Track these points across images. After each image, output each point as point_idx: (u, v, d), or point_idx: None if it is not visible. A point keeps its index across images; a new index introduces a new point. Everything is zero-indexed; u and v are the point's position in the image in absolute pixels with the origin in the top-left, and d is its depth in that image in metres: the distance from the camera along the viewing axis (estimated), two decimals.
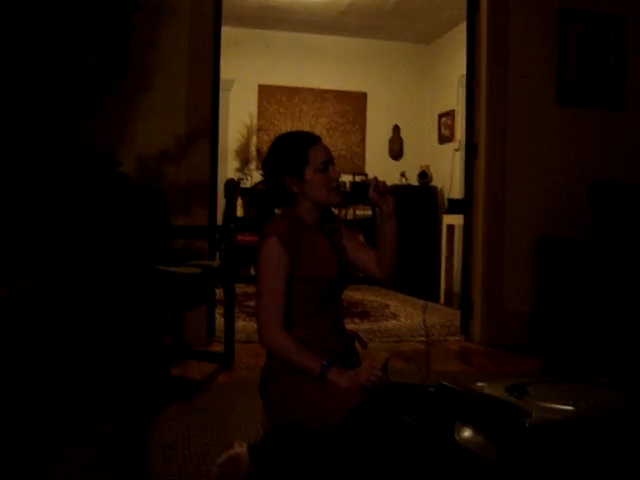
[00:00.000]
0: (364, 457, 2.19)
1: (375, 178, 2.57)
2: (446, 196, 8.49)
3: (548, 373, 3.81)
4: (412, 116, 9.46)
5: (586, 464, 1.56)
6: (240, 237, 4.51)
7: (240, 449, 2.33)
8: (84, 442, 2.76)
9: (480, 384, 1.78)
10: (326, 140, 8.30)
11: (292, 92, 9.15)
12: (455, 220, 7.02)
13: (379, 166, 9.17)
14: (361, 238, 8.62)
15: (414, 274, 7.98)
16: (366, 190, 2.53)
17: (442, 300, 7.21)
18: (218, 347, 4.39)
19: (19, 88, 2.80)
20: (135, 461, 2.61)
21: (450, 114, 8.71)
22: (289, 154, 2.51)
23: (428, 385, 2.40)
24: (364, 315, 6.12)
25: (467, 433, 1.70)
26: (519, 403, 1.61)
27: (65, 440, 2.76)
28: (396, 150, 9.51)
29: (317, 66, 9.17)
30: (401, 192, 8.38)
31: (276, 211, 2.67)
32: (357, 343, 2.71)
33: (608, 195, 4.56)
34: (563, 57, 5.06)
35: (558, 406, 1.61)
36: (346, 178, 8.69)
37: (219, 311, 4.80)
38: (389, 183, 2.62)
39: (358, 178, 8.83)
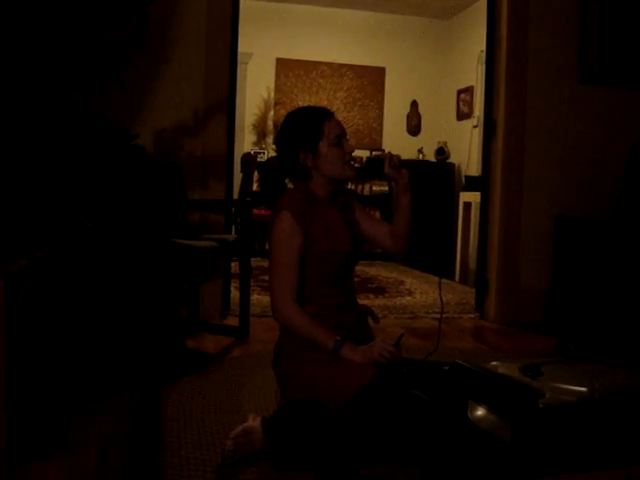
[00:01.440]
0: (376, 432, 2.21)
1: (389, 152, 2.58)
2: (463, 173, 8.45)
3: (562, 353, 3.80)
4: (430, 92, 9.40)
5: (599, 445, 1.56)
6: (256, 211, 4.51)
7: (254, 422, 2.35)
8: (99, 413, 2.79)
9: (494, 363, 1.78)
10: (343, 115, 8.26)
11: (310, 66, 9.10)
12: (472, 197, 6.99)
13: (397, 142, 9.13)
14: (377, 214, 8.61)
15: (430, 251, 7.96)
16: (381, 165, 2.53)
17: (457, 277, 7.20)
18: (233, 321, 4.41)
19: (37, 61, 2.80)
20: (149, 432, 2.64)
21: (469, 90, 8.64)
22: (303, 128, 2.51)
23: (442, 362, 2.40)
24: (379, 291, 6.13)
25: (480, 412, 1.70)
26: (533, 383, 1.61)
27: (80, 411, 2.78)
28: (414, 126, 9.46)
29: (335, 40, 9.11)
30: (417, 167, 8.34)
31: (288, 185, 2.67)
32: (370, 318, 2.72)
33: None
34: (584, 34, 4.99)
35: (572, 387, 1.61)
36: (363, 153, 8.65)
37: (234, 285, 4.82)
38: (406, 159, 2.62)
39: (373, 154, 8.79)
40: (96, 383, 3.12)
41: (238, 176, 4.61)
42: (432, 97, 9.40)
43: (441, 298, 2.88)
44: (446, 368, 1.82)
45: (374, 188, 8.74)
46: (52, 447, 2.44)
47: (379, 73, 9.33)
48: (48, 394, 2.90)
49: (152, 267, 3.48)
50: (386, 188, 8.75)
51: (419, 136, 9.41)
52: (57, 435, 2.55)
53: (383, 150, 8.93)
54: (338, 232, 2.50)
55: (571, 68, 4.99)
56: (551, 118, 4.96)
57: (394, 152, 2.62)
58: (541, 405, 1.49)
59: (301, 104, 8.77)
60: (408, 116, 9.46)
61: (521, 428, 1.52)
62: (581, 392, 1.61)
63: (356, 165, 2.60)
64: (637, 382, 1.73)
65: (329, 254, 2.46)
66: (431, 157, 8.86)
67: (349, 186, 7.44)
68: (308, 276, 2.46)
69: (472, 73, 8.48)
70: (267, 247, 2.50)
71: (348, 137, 2.60)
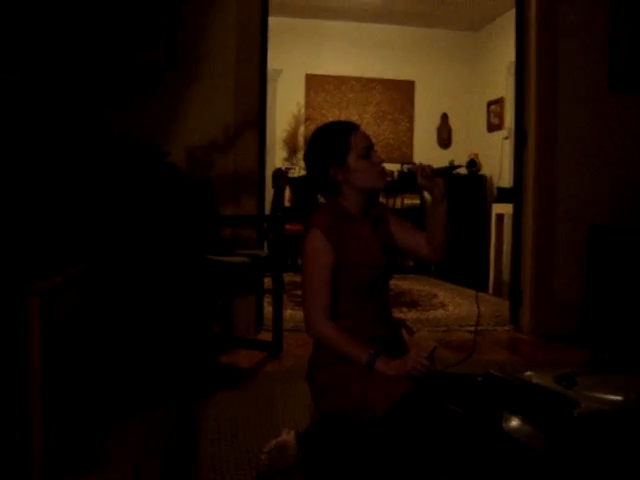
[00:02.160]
0: (411, 447, 2.20)
1: (420, 163, 2.56)
2: (495, 185, 8.40)
3: (597, 364, 3.76)
4: (460, 104, 9.38)
5: (635, 455, 1.54)
6: (288, 226, 4.53)
7: (288, 437, 2.35)
8: (134, 428, 2.81)
9: (528, 373, 1.77)
10: (373, 129, 8.28)
11: (339, 81, 9.13)
12: (504, 209, 6.95)
13: (427, 155, 9.10)
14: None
15: (463, 264, 7.92)
16: (413, 178, 2.52)
17: (491, 290, 7.16)
18: (266, 336, 4.42)
19: (73, 81, 2.85)
20: (184, 447, 2.65)
21: (499, 102, 8.61)
22: (330, 143, 2.51)
23: (476, 374, 2.38)
24: (412, 304, 6.11)
25: (515, 422, 1.69)
26: (567, 393, 1.59)
27: (115, 426, 2.81)
28: (444, 138, 9.44)
29: (364, 55, 9.13)
30: (448, 179, 8.29)
31: (320, 200, 2.67)
32: (404, 331, 2.71)
33: None
34: (614, 42, 4.96)
35: (607, 396, 1.59)
36: (394, 167, 8.65)
37: (267, 300, 4.83)
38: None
39: (405, 167, 8.77)
40: (131, 398, 3.14)
41: (270, 192, 4.64)
42: (462, 109, 9.38)
43: (478, 308, 2.86)
44: (480, 379, 1.81)
45: (406, 201, 8.72)
46: (87, 462, 2.46)
47: (409, 87, 9.33)
48: (83, 409, 2.93)
49: (185, 283, 3.51)
50: (418, 201, 8.73)
51: (450, 149, 9.38)
52: (92, 450, 2.57)
53: (413, 163, 8.91)
54: (369, 246, 2.50)
55: (601, 76, 4.96)
56: (582, 127, 4.93)
57: (428, 163, 2.60)
58: (576, 414, 1.48)
59: (332, 119, 8.78)
60: (438, 129, 9.45)
61: (556, 438, 1.51)
62: (616, 401, 1.59)
63: (388, 179, 2.59)
64: None
65: (361, 268, 2.46)
66: (463, 169, 8.83)
67: (381, 199, 7.44)
68: (341, 291, 2.46)
69: (502, 84, 8.45)
70: (299, 263, 2.50)
71: (377, 150, 2.60)
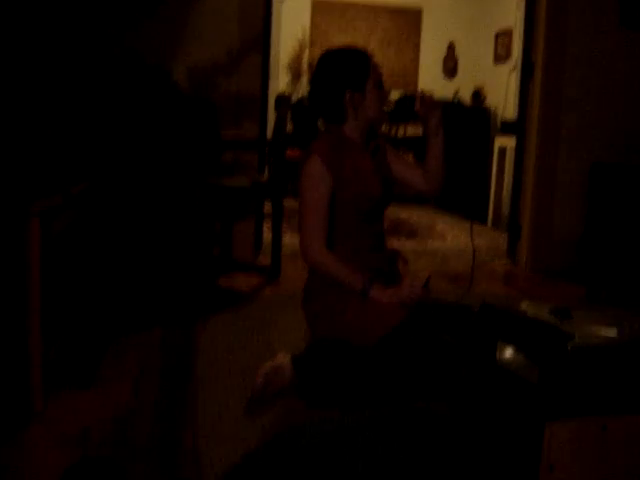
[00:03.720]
0: (404, 373, 2.23)
1: (421, 91, 2.54)
2: (499, 117, 8.33)
3: (594, 300, 3.79)
4: (468, 34, 9.21)
5: (628, 390, 1.57)
6: (290, 152, 4.50)
7: (283, 359, 2.38)
8: (132, 347, 2.85)
9: (524, 305, 1.78)
10: (379, 56, 8.15)
11: (346, 7, 8.96)
12: (507, 142, 6.90)
13: (432, 84, 8.99)
14: (410, 157, 8.55)
15: (463, 195, 7.90)
16: (412, 104, 2.51)
17: (490, 223, 7.16)
18: (265, 260, 4.44)
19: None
20: (181, 367, 2.69)
21: (507, 33, 8.46)
22: (353, 66, 2.47)
23: (470, 305, 2.40)
24: (410, 234, 6.12)
25: (508, 353, 1.71)
26: (562, 325, 1.61)
27: (114, 345, 2.84)
28: (450, 69, 9.32)
29: None
30: (452, 111, 8.23)
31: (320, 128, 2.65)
32: (399, 260, 2.72)
33: None
34: None
35: (601, 330, 1.61)
36: (398, 95, 8.55)
37: (267, 225, 4.84)
38: (442, 102, 2.59)
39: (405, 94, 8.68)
40: (129, 318, 3.18)
41: (272, 116, 4.59)
42: (469, 40, 9.22)
43: (472, 242, 2.86)
44: (475, 310, 1.83)
45: (408, 131, 8.65)
46: (86, 379, 2.50)
47: (415, 14, 9.16)
48: (83, 327, 2.96)
49: (186, 205, 3.50)
50: (420, 131, 8.66)
51: (455, 79, 9.26)
52: (91, 367, 2.60)
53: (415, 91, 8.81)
54: (368, 176, 2.49)
55: (612, 11, 4.86)
56: (590, 61, 4.85)
57: (430, 93, 2.58)
58: (570, 347, 1.50)
59: (337, 45, 8.65)
60: (444, 59, 9.31)
61: (549, 370, 1.53)
62: (610, 335, 1.61)
63: (385, 108, 2.58)
64: None
65: (359, 198, 2.45)
66: (467, 100, 8.74)
67: (383, 129, 7.35)
68: (338, 219, 2.46)
69: (511, 15, 8.28)
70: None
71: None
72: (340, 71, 2.48)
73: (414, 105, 2.50)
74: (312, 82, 2.60)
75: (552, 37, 4.80)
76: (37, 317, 2.22)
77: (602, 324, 1.63)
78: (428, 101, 2.50)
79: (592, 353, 1.53)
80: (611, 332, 1.61)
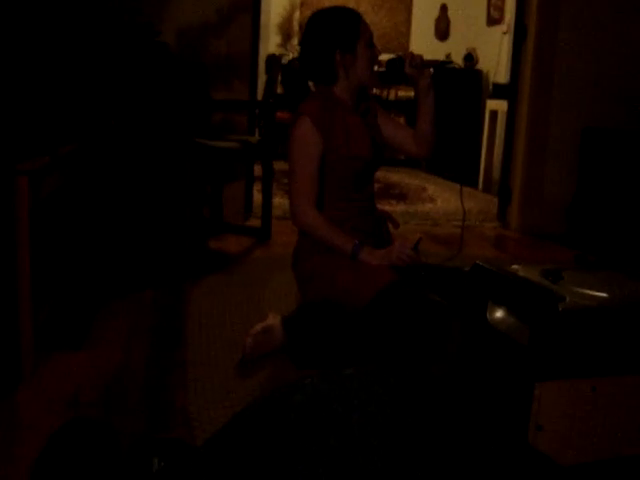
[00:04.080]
0: (394, 334, 2.24)
1: (411, 52, 2.53)
2: (491, 80, 8.29)
3: (582, 264, 3.80)
4: None
5: (618, 352, 1.58)
6: (280, 114, 4.47)
7: (274, 320, 2.39)
8: (123, 309, 2.85)
9: (515, 267, 1.78)
10: (370, 17, 8.05)
11: None
12: (499, 106, 6.88)
13: (424, 46, 8.92)
14: (402, 119, 8.52)
15: (454, 158, 7.88)
16: (402, 65, 2.49)
17: (480, 186, 7.16)
18: (255, 222, 4.43)
19: None
20: (172, 328, 2.69)
21: None
22: (342, 27, 2.45)
23: (461, 267, 2.40)
24: (401, 197, 6.12)
25: (499, 314, 1.71)
26: (553, 287, 1.61)
27: (105, 307, 2.84)
28: (442, 31, 9.24)
29: None
30: (444, 73, 8.19)
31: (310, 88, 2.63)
32: (389, 223, 2.72)
33: None
34: None
35: (592, 292, 1.61)
36: (390, 57, 8.50)
37: (257, 187, 4.82)
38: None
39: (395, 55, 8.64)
40: (120, 280, 3.17)
41: (262, 78, 4.56)
42: (462, 1, 9.13)
43: (463, 204, 2.85)
44: (466, 270, 1.83)
45: (399, 93, 8.61)
46: (77, 340, 2.50)
47: None
48: (73, 289, 2.95)
49: (175, 166, 3.48)
50: (412, 94, 8.61)
51: (447, 41, 9.19)
52: (82, 329, 2.60)
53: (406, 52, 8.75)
54: (359, 138, 2.48)
55: None
56: (585, 26, 4.81)
57: (423, 57, 2.56)
58: (560, 308, 1.50)
59: (328, 5, 8.56)
60: (437, 20, 9.23)
61: (539, 331, 1.53)
62: (602, 297, 1.61)
63: (379, 69, 2.56)
64: None
65: (349, 160, 2.45)
66: (459, 63, 8.69)
67: (374, 92, 7.31)
68: (328, 181, 2.45)
69: None
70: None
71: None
72: (330, 31, 2.45)
73: (404, 67, 2.49)
74: (302, 43, 2.58)
75: (545, 0, 4.76)
76: (27, 278, 2.21)
77: (593, 286, 1.63)
78: (418, 62, 2.48)
79: (583, 314, 1.54)
80: (602, 294, 1.62)
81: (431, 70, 2.52)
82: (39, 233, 2.35)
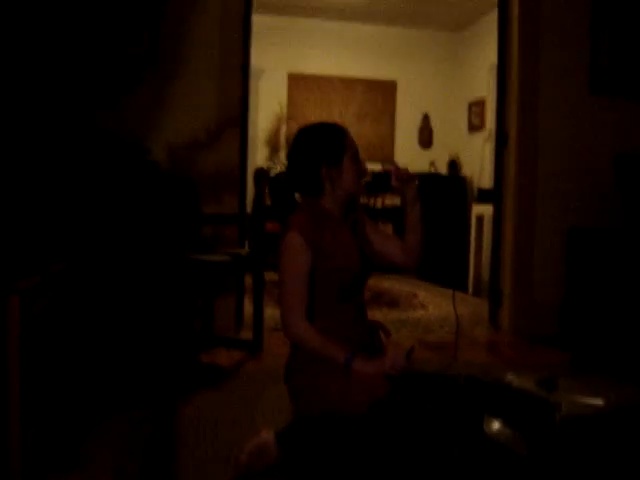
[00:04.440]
0: (390, 446, 2.20)
1: (395, 166, 2.58)
2: (476, 186, 8.44)
3: (577, 366, 3.78)
4: (442, 105, 9.39)
5: (616, 458, 1.55)
6: (269, 225, 4.51)
7: (267, 436, 2.35)
8: (114, 428, 2.79)
9: (509, 376, 1.77)
10: (355, 128, 8.22)
11: (322, 81, 9.12)
12: (485, 210, 6.97)
13: (408, 155, 9.13)
14: (390, 228, 8.61)
15: (443, 264, 7.94)
16: (388, 179, 2.54)
17: (470, 290, 7.18)
18: (247, 334, 4.41)
19: (54, 77, 2.83)
20: (164, 447, 2.64)
21: (480, 103, 8.64)
22: (328, 141, 2.50)
23: (456, 375, 2.39)
24: (392, 304, 6.12)
25: (496, 426, 1.70)
26: (549, 396, 1.60)
27: (96, 426, 2.79)
28: (426, 139, 9.46)
29: (347, 54, 9.12)
30: (429, 180, 8.33)
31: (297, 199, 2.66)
32: (381, 332, 2.71)
33: (632, 164, 4.48)
34: (596, 46, 4.99)
35: (588, 400, 1.60)
36: (375, 166, 8.66)
37: (248, 299, 4.82)
38: (415, 171, 2.63)
39: (378, 167, 8.82)
40: (110, 397, 3.13)
41: (251, 190, 4.63)
42: (444, 110, 9.39)
43: (455, 311, 2.86)
44: (461, 382, 1.82)
45: (386, 202, 8.73)
46: (67, 462, 2.45)
47: (390, 86, 9.34)
48: (62, 408, 2.91)
49: (167, 281, 3.49)
50: (398, 201, 8.73)
51: (431, 149, 9.39)
52: (72, 450, 2.55)
53: (390, 164, 8.90)
54: (348, 250, 2.50)
55: (583, 79, 4.98)
56: (563, 129, 4.95)
57: (405, 165, 2.62)
58: (557, 418, 1.49)
59: (313, 118, 8.79)
60: (420, 129, 9.46)
61: (538, 441, 1.51)
62: (597, 405, 1.60)
63: (365, 179, 2.61)
64: None
65: (338, 272, 2.46)
66: (443, 170, 8.86)
67: (361, 199, 7.40)
68: (318, 292, 2.46)
69: (483, 85, 8.48)
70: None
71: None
72: (316, 146, 2.51)
73: (390, 180, 2.54)
74: (289, 157, 2.62)
75: (524, 106, 4.91)
76: (17, 398, 2.18)
77: (588, 394, 1.62)
78: (403, 175, 2.54)
79: (580, 424, 1.52)
80: (598, 401, 1.61)
81: (416, 182, 2.57)
82: (30, 350, 2.33)
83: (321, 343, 2.38)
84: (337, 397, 2.33)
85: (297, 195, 2.66)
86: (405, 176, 2.54)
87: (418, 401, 2.29)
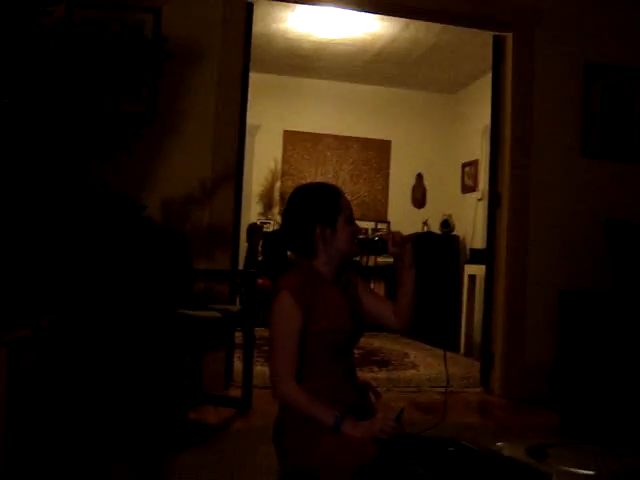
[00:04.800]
0: None
1: (391, 232, 2.59)
2: (468, 246, 8.47)
3: (567, 429, 3.75)
4: (436, 165, 9.48)
5: None
6: (261, 281, 4.51)
7: None
8: None
9: (500, 444, 1.76)
10: (349, 187, 8.34)
11: (317, 138, 9.21)
12: (477, 270, 7.00)
13: (402, 214, 9.19)
14: (382, 286, 8.62)
15: (435, 323, 7.92)
16: (384, 246, 2.55)
17: (462, 350, 7.15)
18: (236, 392, 4.37)
19: (49, 132, 2.85)
20: None
21: (473, 164, 8.73)
22: (323, 202, 2.52)
23: (446, 439, 2.36)
24: (383, 364, 6.08)
25: None
26: (539, 466, 1.58)
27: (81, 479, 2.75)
28: (419, 198, 9.52)
29: (342, 113, 9.23)
30: (422, 239, 8.36)
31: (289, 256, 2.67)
32: (371, 394, 2.69)
33: (623, 230, 4.52)
34: (588, 109, 5.08)
35: (579, 470, 1.58)
36: (369, 225, 8.71)
37: (238, 355, 4.78)
38: (411, 231, 2.64)
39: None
40: (97, 451, 3.08)
41: (244, 246, 4.63)
42: (437, 170, 9.48)
43: (447, 371, 2.84)
44: (451, 449, 1.80)
45: (379, 260, 8.75)
46: None
47: (385, 146, 9.43)
48: (49, 461, 2.86)
49: (156, 337, 3.47)
50: (391, 259, 8.74)
51: (424, 208, 9.44)
52: None
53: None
54: (339, 311, 2.49)
55: (575, 143, 5.06)
56: (555, 191, 5.01)
57: (398, 224, 2.64)
58: None
59: (308, 175, 8.87)
60: (413, 188, 9.52)
61: None
62: (589, 475, 1.58)
63: (360, 236, 2.62)
64: None
65: (329, 333, 2.45)
66: (436, 229, 8.90)
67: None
68: (308, 353, 2.45)
69: (477, 146, 8.58)
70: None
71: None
72: (311, 207, 2.52)
73: (387, 247, 2.54)
74: (284, 216, 2.63)
75: (517, 169, 4.96)
76: (0, 452, 2.15)
77: (579, 464, 1.61)
78: (399, 239, 2.54)
79: None
80: (589, 471, 1.59)
81: (416, 235, 2.58)
82: (16, 403, 2.31)
83: (310, 405, 2.35)
84: (325, 459, 2.30)
85: (290, 253, 2.66)
86: (401, 240, 2.54)
87: (407, 465, 2.26)
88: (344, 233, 2.51)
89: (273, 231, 6.96)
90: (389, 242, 2.54)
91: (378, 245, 2.58)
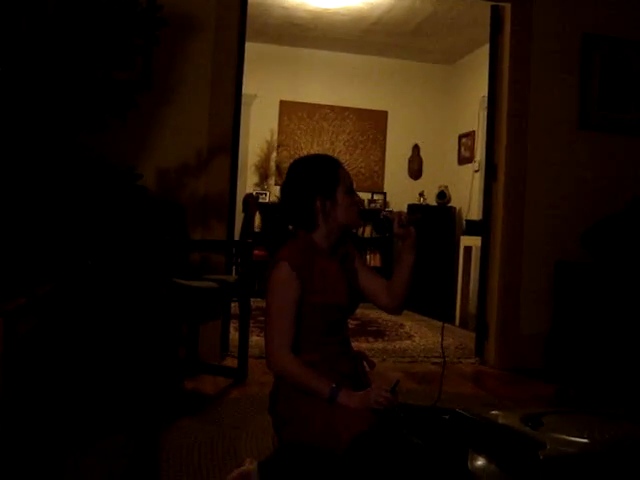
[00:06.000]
0: (374, 479, 2.18)
1: (399, 212, 2.56)
2: (464, 217, 8.47)
3: (562, 399, 3.78)
4: (432, 136, 9.46)
5: None
6: (257, 252, 4.51)
7: (250, 466, 2.33)
8: (95, 453, 2.76)
9: (494, 413, 1.77)
10: (345, 158, 8.32)
11: (313, 109, 9.17)
12: (473, 241, 7.00)
13: (398, 185, 9.18)
14: (378, 257, 8.64)
15: (430, 294, 7.95)
16: (390, 225, 2.52)
17: (457, 321, 7.18)
18: (232, 362, 4.39)
19: (44, 101, 2.83)
20: (146, 474, 2.61)
21: (470, 135, 8.70)
22: (321, 174, 2.50)
23: (441, 408, 2.38)
24: (378, 334, 6.10)
25: (480, 462, 1.68)
26: (533, 434, 1.59)
27: (76, 451, 2.76)
28: (415, 170, 9.50)
29: (339, 84, 9.19)
30: (418, 211, 8.35)
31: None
32: (365, 363, 2.70)
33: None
34: (585, 82, 5.06)
35: (573, 438, 1.59)
36: (365, 196, 8.69)
37: (234, 325, 4.80)
38: (408, 202, 2.63)
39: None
40: (94, 420, 3.10)
41: (240, 216, 4.62)
42: (434, 141, 9.45)
43: (442, 345, 2.86)
44: (446, 417, 1.81)
45: (374, 232, 8.75)
46: None
47: (381, 117, 9.39)
48: (45, 429, 2.88)
49: (152, 307, 3.47)
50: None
51: (420, 180, 9.43)
52: (54, 472, 2.52)
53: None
54: (336, 285, 2.49)
55: (572, 114, 5.04)
56: (552, 163, 5.00)
57: (395, 197, 2.63)
58: (541, 456, 1.48)
59: (304, 146, 8.84)
60: (410, 160, 9.50)
61: (522, 479, 1.51)
62: (582, 443, 1.59)
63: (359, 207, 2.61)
64: (638, 432, 1.72)
65: (326, 306, 2.45)
66: (432, 201, 8.89)
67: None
68: (304, 325, 2.45)
69: (474, 118, 8.55)
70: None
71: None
72: (310, 179, 2.50)
73: (392, 227, 2.52)
74: (282, 190, 2.62)
75: (514, 140, 4.95)
76: None
77: (573, 432, 1.62)
78: (404, 220, 2.52)
79: (564, 462, 1.51)
80: (582, 440, 1.60)
81: (420, 215, 2.56)
82: (13, 373, 2.31)
83: (305, 376, 2.36)
84: (321, 429, 2.31)
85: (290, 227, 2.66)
86: (406, 221, 2.53)
87: (402, 435, 2.27)
88: (344, 204, 2.50)
89: (273, 204, 6.94)
90: (395, 222, 2.52)
91: (384, 224, 2.55)
